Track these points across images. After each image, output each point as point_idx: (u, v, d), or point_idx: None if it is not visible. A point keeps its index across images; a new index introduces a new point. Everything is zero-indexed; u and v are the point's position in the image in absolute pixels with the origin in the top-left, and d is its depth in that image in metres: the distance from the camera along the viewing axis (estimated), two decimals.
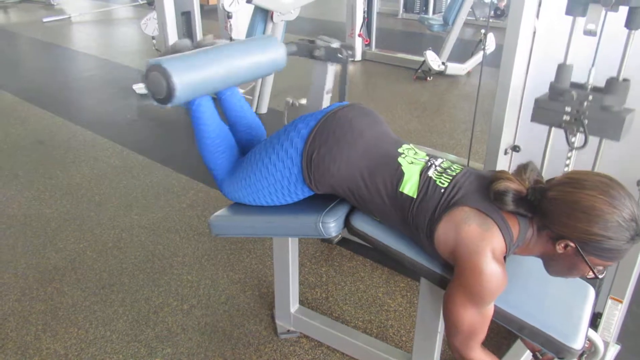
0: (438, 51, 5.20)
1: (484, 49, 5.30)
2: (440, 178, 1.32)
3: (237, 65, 1.57)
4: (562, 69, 1.58)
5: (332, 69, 2.02)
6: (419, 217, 1.29)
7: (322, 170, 1.40)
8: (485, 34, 5.26)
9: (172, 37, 4.57)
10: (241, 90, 4.57)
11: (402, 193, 1.33)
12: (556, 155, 1.73)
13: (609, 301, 1.75)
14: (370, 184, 1.38)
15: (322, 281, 2.27)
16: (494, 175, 1.28)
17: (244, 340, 1.94)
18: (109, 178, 3.17)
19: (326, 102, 2.10)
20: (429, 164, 1.38)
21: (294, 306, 1.94)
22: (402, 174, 1.35)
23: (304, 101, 2.32)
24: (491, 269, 1.18)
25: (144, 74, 1.44)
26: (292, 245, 1.82)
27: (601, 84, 1.52)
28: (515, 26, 1.70)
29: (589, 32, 1.51)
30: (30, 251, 2.45)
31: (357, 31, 5.48)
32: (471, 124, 4.07)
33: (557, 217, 1.15)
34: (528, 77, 1.81)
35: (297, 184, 1.47)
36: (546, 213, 1.17)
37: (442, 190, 1.29)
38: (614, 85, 1.48)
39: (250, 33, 3.83)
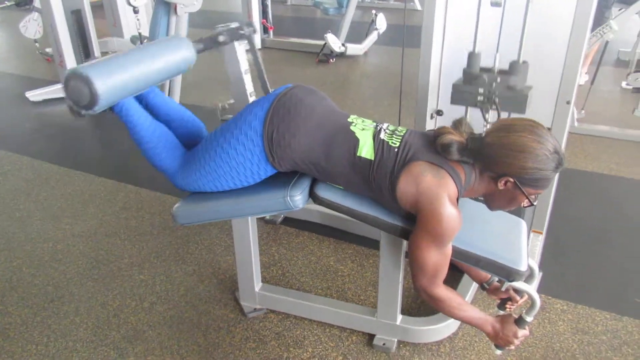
0: (335, 34, 5.40)
1: (377, 29, 5.63)
2: (392, 139, 1.48)
3: (153, 65, 1.62)
4: (472, 57, 1.84)
5: (241, 48, 2.13)
6: (380, 175, 1.44)
7: (283, 147, 1.50)
8: (376, 15, 5.58)
9: (64, 38, 4.32)
10: None
11: (360, 157, 1.47)
12: (475, 115, 1.97)
13: (532, 234, 2.04)
14: (329, 154, 1.50)
15: (275, 259, 2.36)
16: (437, 131, 1.46)
17: (214, 325, 1.99)
18: (26, 192, 2.97)
19: (248, 82, 2.20)
20: (378, 128, 1.54)
21: (258, 284, 2.02)
22: (357, 140, 1.49)
23: (232, 101, 2.38)
24: (449, 211, 1.36)
25: (64, 84, 1.45)
26: (252, 225, 1.89)
27: (505, 66, 1.80)
28: (430, 6, 1.90)
29: (495, 4, 1.75)
30: None
31: (260, 19, 5.53)
32: (378, 100, 4.35)
33: (496, 159, 1.36)
34: (444, 49, 2.02)
35: (260, 164, 1.55)
36: (486, 157, 1.38)
37: (396, 150, 1.45)
38: (516, 67, 1.78)
39: (153, 27, 3.73)
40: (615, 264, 2.30)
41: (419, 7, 7.97)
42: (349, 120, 1.57)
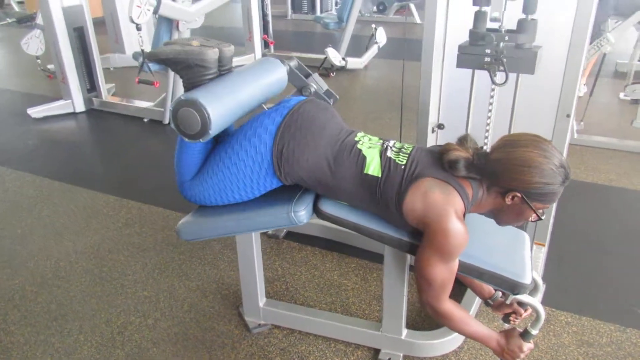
0: (335, 48, 5.45)
1: (377, 43, 5.68)
2: (398, 157, 1.50)
3: (253, 91, 1.63)
4: (479, 15, 1.77)
5: None
6: (387, 192, 1.45)
7: (291, 163, 1.52)
8: (376, 29, 5.63)
9: (66, 54, 4.37)
10: (151, 103, 4.47)
11: (367, 174, 1.48)
12: (476, 129, 1.98)
13: (534, 246, 2.05)
14: (336, 171, 1.52)
15: (279, 274, 2.36)
16: (443, 148, 1.47)
17: (218, 341, 1.99)
18: (28, 209, 2.98)
19: None
20: (385, 146, 1.55)
21: (262, 300, 2.02)
22: (364, 158, 1.51)
23: None
24: (456, 227, 1.37)
25: (172, 113, 1.45)
26: (256, 240, 1.89)
27: (513, 27, 1.74)
28: (430, 24, 1.92)
29: (494, 19, 1.77)
30: None
31: (261, 34, 5.59)
32: (380, 113, 4.38)
33: (503, 174, 1.37)
34: (445, 62, 2.05)
35: (267, 177, 1.57)
36: (493, 173, 1.39)
37: (403, 167, 1.46)
38: (525, 25, 1.71)
39: (155, 43, 3.78)
40: (618, 275, 2.30)
41: (418, 21, 8.06)
42: (356, 138, 1.59)
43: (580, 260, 2.41)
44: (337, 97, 2.04)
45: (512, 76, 1.78)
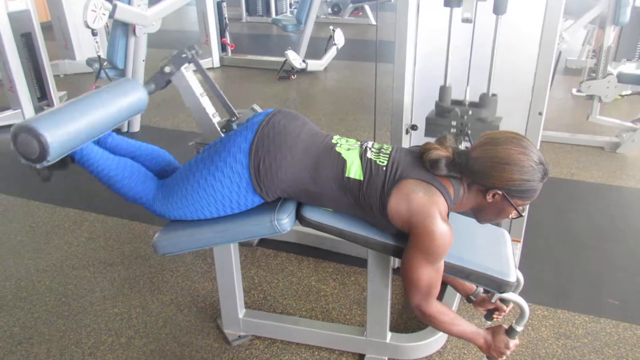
0: (294, 50, 5.42)
1: (335, 44, 5.69)
2: (379, 158, 1.48)
3: (104, 112, 1.61)
4: (444, 90, 1.89)
5: (189, 74, 2.17)
6: (370, 195, 1.43)
7: (270, 177, 1.47)
8: (334, 30, 5.64)
9: (14, 62, 4.14)
10: None
11: (349, 178, 1.46)
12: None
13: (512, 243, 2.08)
14: (317, 178, 1.48)
15: (256, 283, 2.31)
16: (423, 147, 1.47)
17: (197, 356, 1.91)
18: None
19: (207, 104, 2.24)
20: (364, 147, 1.53)
21: (242, 311, 1.96)
22: (344, 161, 1.48)
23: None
24: (442, 228, 1.37)
25: (12, 138, 1.43)
26: (234, 251, 1.84)
27: (476, 98, 1.86)
28: (402, 25, 1.91)
29: (466, 20, 1.79)
30: None
31: (218, 38, 5.48)
32: (343, 115, 4.37)
33: (484, 172, 1.37)
34: (417, 64, 2.05)
35: (247, 196, 1.51)
36: (474, 171, 1.39)
37: (384, 168, 1.44)
38: (486, 100, 1.84)
39: (111, 49, 3.63)
40: (587, 267, 2.38)
41: (373, 22, 8.15)
42: (334, 141, 1.56)
43: (551, 254, 2.47)
44: (195, 50, 2.09)
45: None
